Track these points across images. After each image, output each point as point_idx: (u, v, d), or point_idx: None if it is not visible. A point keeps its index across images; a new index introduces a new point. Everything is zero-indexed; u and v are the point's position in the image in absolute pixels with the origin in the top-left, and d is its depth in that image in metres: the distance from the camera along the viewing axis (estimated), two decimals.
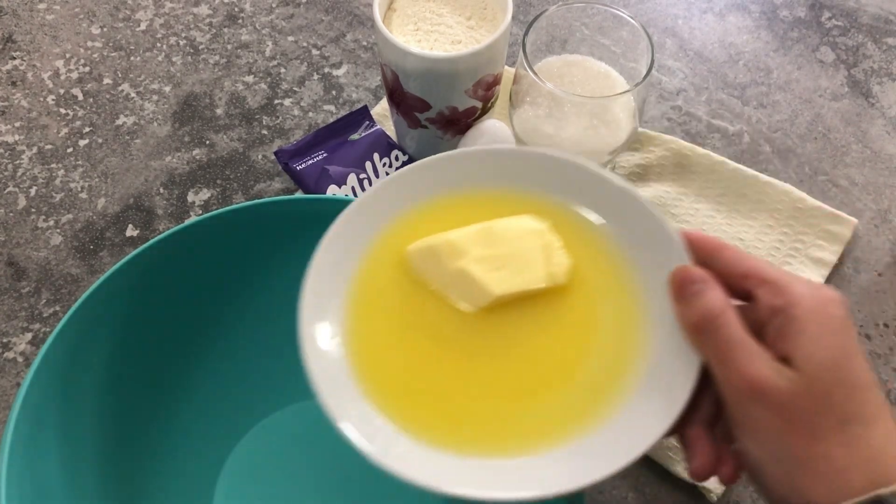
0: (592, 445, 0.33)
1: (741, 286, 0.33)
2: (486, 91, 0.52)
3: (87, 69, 0.65)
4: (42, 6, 0.69)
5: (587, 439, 0.33)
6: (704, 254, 0.34)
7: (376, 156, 0.57)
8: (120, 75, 0.64)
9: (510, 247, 0.36)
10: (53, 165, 0.59)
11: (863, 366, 0.30)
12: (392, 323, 0.36)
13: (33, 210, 0.57)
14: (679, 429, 0.33)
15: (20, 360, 0.51)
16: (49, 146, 0.60)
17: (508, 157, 0.38)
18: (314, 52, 0.65)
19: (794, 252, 0.54)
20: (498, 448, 0.33)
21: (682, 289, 0.34)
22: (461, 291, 0.36)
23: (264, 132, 0.61)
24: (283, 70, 0.64)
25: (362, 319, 0.36)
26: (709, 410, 0.33)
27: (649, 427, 0.31)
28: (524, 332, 0.36)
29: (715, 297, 0.32)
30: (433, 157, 0.38)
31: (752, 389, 0.30)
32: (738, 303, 0.33)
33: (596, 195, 0.37)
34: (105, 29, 0.67)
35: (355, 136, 0.58)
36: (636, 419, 0.32)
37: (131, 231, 0.56)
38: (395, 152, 0.57)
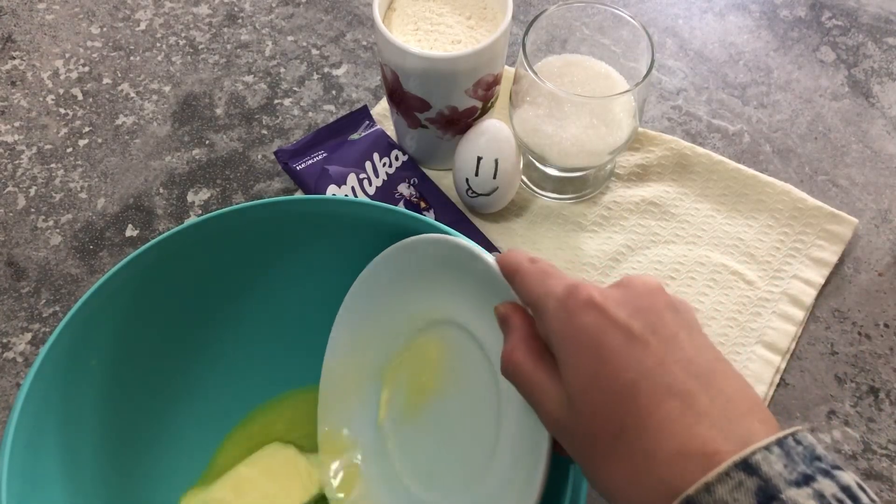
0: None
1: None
2: (486, 91, 0.52)
3: (87, 69, 0.65)
4: (42, 6, 0.68)
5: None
6: (510, 283, 0.33)
7: (376, 156, 0.57)
8: (119, 75, 0.64)
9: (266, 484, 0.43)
10: (53, 165, 0.59)
11: (623, 364, 0.27)
12: None
13: (33, 210, 0.57)
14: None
15: (20, 360, 0.51)
16: (48, 146, 0.60)
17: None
18: (314, 51, 0.65)
19: (795, 252, 0.54)
20: None
21: (502, 330, 0.33)
22: None
23: (264, 132, 0.61)
24: (282, 70, 0.64)
25: None
26: None
27: (532, 478, 0.32)
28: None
29: (508, 340, 0.31)
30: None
31: (553, 430, 0.29)
32: None
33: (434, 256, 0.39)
34: (105, 29, 0.67)
35: (355, 136, 0.58)
36: (517, 475, 0.34)
37: (131, 231, 0.56)
38: (395, 152, 0.57)
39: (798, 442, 0.25)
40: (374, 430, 0.43)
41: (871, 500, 0.24)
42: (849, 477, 0.25)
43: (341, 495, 0.42)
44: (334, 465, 0.43)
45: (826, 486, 0.24)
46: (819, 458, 0.25)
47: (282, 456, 0.44)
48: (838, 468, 0.25)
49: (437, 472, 0.39)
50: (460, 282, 0.38)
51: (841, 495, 0.24)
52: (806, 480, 0.24)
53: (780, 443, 0.25)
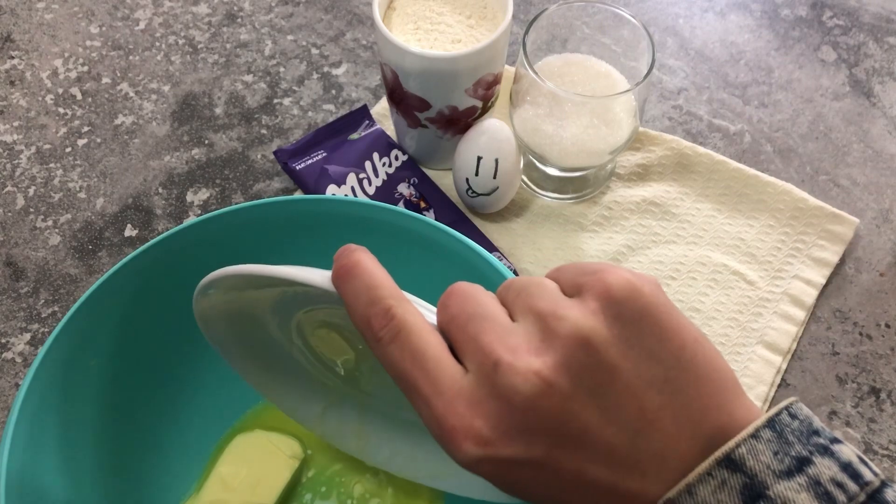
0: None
1: None
2: (487, 90, 0.52)
3: (86, 68, 0.64)
4: (41, 5, 0.68)
5: None
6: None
7: (376, 155, 0.57)
8: (119, 75, 0.64)
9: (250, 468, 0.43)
10: (52, 165, 0.59)
11: (545, 494, 0.26)
12: None
13: (32, 210, 0.57)
14: None
15: (19, 360, 0.51)
16: (48, 146, 0.60)
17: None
18: (313, 51, 0.65)
19: (796, 252, 0.54)
20: None
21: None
22: None
23: (263, 132, 0.61)
24: (282, 69, 0.64)
25: None
26: None
27: None
28: None
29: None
30: None
31: None
32: None
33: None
34: (104, 28, 0.67)
35: (355, 136, 0.58)
36: None
37: (130, 231, 0.56)
38: (394, 152, 0.57)
39: (793, 416, 0.24)
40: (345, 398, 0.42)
41: (875, 473, 0.23)
42: (849, 451, 0.24)
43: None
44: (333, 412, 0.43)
45: (824, 468, 0.23)
46: (817, 433, 0.24)
47: (251, 442, 0.44)
48: (838, 441, 0.24)
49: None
50: (276, 295, 0.35)
51: (841, 476, 0.23)
52: (800, 466, 0.23)
53: (771, 423, 0.24)
